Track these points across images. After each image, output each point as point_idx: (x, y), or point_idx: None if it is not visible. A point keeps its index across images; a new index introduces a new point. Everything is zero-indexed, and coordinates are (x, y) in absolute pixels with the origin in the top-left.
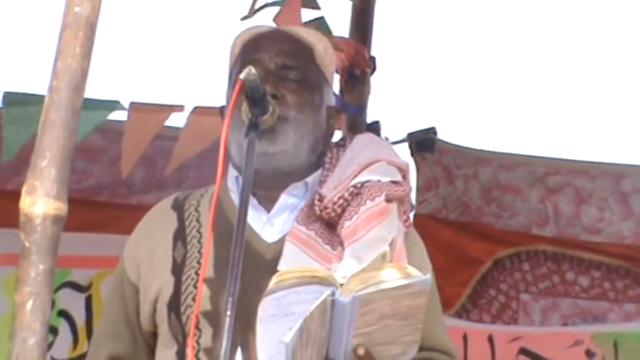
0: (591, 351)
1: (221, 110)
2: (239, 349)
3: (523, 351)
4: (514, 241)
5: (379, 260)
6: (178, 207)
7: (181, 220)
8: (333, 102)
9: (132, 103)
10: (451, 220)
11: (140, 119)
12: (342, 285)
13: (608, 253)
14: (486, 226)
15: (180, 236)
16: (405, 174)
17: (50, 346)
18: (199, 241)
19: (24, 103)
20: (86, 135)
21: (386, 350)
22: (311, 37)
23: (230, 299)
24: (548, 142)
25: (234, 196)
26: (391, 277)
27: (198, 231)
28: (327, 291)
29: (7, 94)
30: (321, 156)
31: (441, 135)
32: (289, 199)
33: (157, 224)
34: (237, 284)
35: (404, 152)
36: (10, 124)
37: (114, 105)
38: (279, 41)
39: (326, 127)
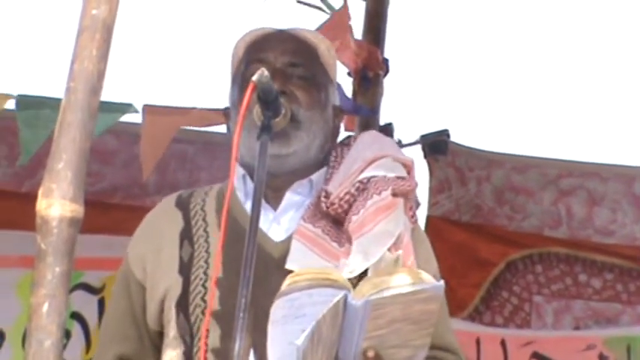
0: (604, 355)
1: (225, 111)
2: (251, 350)
3: (536, 355)
4: (527, 243)
5: (392, 265)
6: (183, 206)
7: (187, 220)
8: (337, 101)
9: (145, 106)
10: (464, 222)
11: (155, 122)
12: (350, 280)
13: (620, 255)
14: (499, 228)
15: (186, 236)
16: (409, 170)
17: (63, 349)
18: (206, 241)
19: (38, 106)
20: (97, 136)
21: (395, 353)
22: (314, 37)
23: (242, 300)
24: (561, 144)
25: (241, 195)
26: (404, 283)
27: (205, 230)
28: (340, 294)
29: (21, 97)
30: (327, 155)
31: (454, 137)
32: (294, 197)
33: (162, 223)
34: (250, 286)
35: (417, 154)
36: (25, 126)
37: (127, 107)
38: (283, 41)
39: (332, 127)
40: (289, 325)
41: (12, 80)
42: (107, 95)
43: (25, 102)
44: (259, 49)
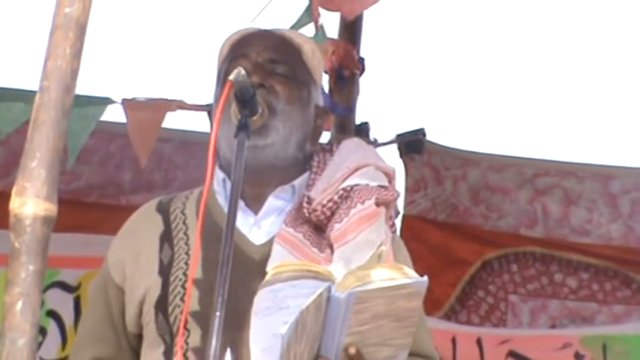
0: (580, 354)
1: (208, 110)
2: (228, 349)
3: (512, 354)
4: (503, 243)
5: (375, 260)
6: (163, 210)
7: (167, 223)
8: (321, 102)
9: (124, 100)
10: (440, 221)
11: (140, 117)
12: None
13: (596, 254)
14: (475, 227)
15: (166, 238)
16: (391, 179)
17: (39, 346)
18: (186, 243)
19: (8, 99)
20: (89, 133)
21: (377, 352)
22: (299, 38)
23: (219, 299)
24: (537, 143)
25: (221, 199)
26: (388, 277)
27: (185, 233)
28: (324, 286)
29: None
30: (308, 157)
31: (430, 136)
32: (276, 202)
33: (143, 227)
34: (227, 284)
35: (393, 154)
36: None
37: (105, 101)
38: (267, 38)
39: (313, 126)
40: (272, 317)
41: None
42: (84, 90)
43: None
44: (242, 45)
